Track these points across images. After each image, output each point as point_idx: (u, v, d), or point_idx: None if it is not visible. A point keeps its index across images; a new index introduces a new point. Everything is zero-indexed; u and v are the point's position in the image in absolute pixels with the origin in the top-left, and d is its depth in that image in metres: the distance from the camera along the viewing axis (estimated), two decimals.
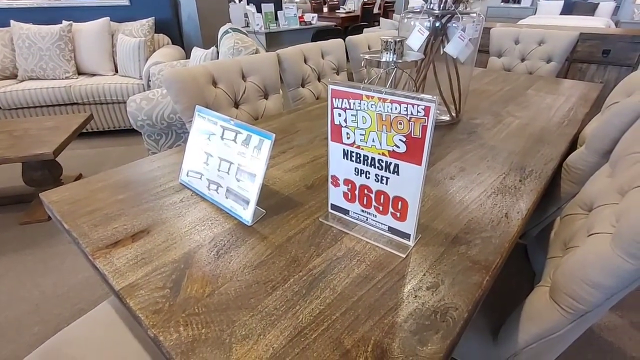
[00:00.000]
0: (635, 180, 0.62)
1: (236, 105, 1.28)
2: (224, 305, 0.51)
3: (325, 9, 6.69)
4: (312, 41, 1.65)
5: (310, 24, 4.62)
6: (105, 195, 0.79)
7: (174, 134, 1.93)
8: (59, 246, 1.66)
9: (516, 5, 7.61)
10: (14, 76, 2.90)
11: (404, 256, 0.60)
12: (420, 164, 0.55)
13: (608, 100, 1.03)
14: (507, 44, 2.08)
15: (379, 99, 0.54)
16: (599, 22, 5.85)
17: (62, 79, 2.84)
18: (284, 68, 1.45)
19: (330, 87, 0.59)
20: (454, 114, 1.19)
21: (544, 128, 1.14)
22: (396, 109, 0.53)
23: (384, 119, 0.55)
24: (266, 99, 1.37)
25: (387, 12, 6.70)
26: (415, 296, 0.53)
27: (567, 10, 6.75)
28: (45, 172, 1.92)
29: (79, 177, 2.28)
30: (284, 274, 0.57)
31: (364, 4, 6.19)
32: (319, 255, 0.61)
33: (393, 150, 0.57)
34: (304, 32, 4.55)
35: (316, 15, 4.82)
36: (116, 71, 3.05)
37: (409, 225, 0.61)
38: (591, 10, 6.51)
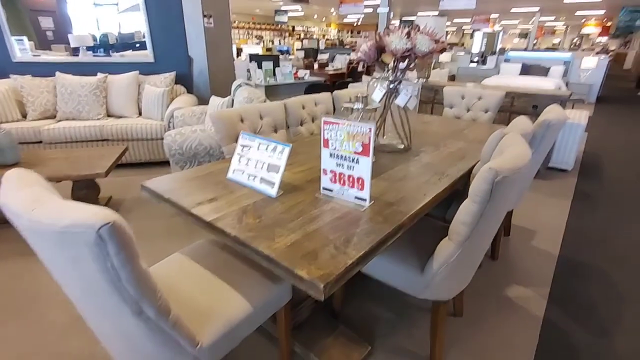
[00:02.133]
0: None
1: None
2: (266, 225, 0.99)
3: (316, 66, 7.60)
4: (305, 93, 2.22)
5: (303, 79, 5.38)
6: (178, 185, 1.27)
7: (197, 162, 2.43)
8: None
9: (482, 67, 8.72)
10: (52, 116, 3.42)
11: (362, 210, 1.10)
12: (368, 156, 1.06)
13: None
14: (455, 99, 2.72)
15: (347, 124, 1.07)
16: (551, 82, 6.81)
17: (95, 119, 3.38)
18: (288, 112, 2.01)
19: (323, 118, 1.12)
20: (405, 144, 1.74)
21: (466, 153, 1.69)
22: (355, 129, 1.06)
23: (350, 134, 1.08)
24: (276, 132, 1.91)
25: (369, 70, 7.64)
26: (366, 223, 1.02)
27: (524, 71, 7.81)
28: (89, 191, 2.38)
29: (110, 198, 2.73)
30: (296, 216, 1.05)
31: (350, 62, 7.10)
32: (316, 209, 1.10)
33: (355, 150, 1.09)
34: (298, 86, 5.28)
35: (308, 71, 5.61)
36: (140, 114, 3.61)
37: (365, 193, 1.11)
38: (544, 72, 7.56)
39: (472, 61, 9.40)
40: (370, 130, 1.04)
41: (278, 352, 1.40)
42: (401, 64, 1.61)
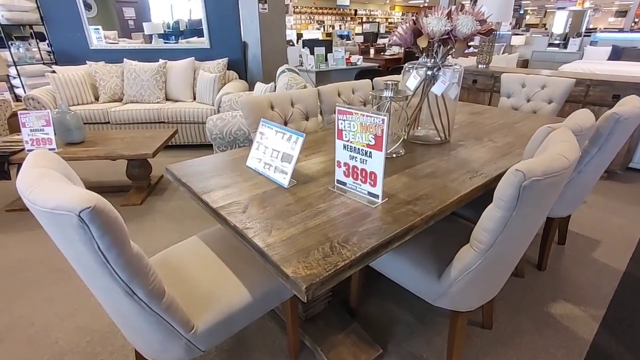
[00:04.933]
0: None
1: (285, 123, 1.79)
2: (269, 216, 0.97)
3: (372, 51, 7.36)
4: (355, 79, 2.14)
5: (356, 64, 5.24)
6: (201, 169, 1.30)
7: (237, 146, 2.50)
8: (148, 222, 2.24)
9: (562, 50, 7.74)
10: (120, 100, 3.75)
11: (373, 207, 1.03)
12: (382, 150, 0.98)
13: None
14: (514, 87, 2.44)
15: (361, 114, 1.00)
16: None
17: (155, 102, 3.64)
18: (322, 99, 1.96)
19: (338, 107, 1.06)
20: (442, 137, 1.60)
21: (510, 149, 1.51)
22: (368, 120, 0.98)
23: (363, 126, 1.00)
24: (307, 120, 1.88)
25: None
26: (372, 222, 0.95)
27: (615, 55, 6.77)
28: (142, 169, 2.57)
29: (161, 177, 2.93)
30: (302, 208, 1.02)
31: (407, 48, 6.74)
32: (324, 202, 1.05)
33: (368, 143, 1.01)
34: (350, 72, 5.16)
35: (362, 57, 5.44)
36: (194, 98, 3.81)
37: (378, 189, 1.04)
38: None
39: (550, 44, 8.38)
40: (383, 122, 0.95)
41: (287, 342, 1.41)
42: (439, 47, 1.46)
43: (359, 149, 1.04)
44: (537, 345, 1.38)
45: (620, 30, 11.38)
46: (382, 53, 7.17)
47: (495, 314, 1.53)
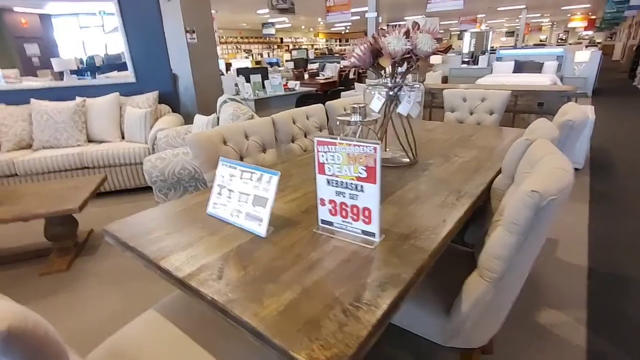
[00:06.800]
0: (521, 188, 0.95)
1: (241, 158, 1.60)
2: (254, 279, 0.78)
3: (306, 76, 7.46)
4: (296, 105, 2.04)
5: (294, 90, 5.21)
6: (150, 225, 1.06)
7: (182, 187, 2.22)
8: (79, 291, 1.85)
9: (474, 67, 8.62)
10: (28, 146, 3.21)
11: (372, 247, 0.89)
12: (375, 183, 0.86)
13: None
14: (457, 102, 2.54)
15: (347, 144, 0.87)
16: (545, 78, 6.71)
17: (75, 146, 3.17)
18: (278, 129, 1.81)
19: (316, 138, 0.92)
20: (411, 157, 1.54)
21: (480, 163, 1.50)
22: (357, 149, 0.86)
23: (351, 156, 0.88)
24: (264, 152, 1.71)
25: (360, 77, 7.51)
26: (379, 269, 0.81)
27: (517, 69, 7.70)
28: (65, 227, 2.15)
29: (90, 232, 2.50)
30: (292, 262, 0.84)
31: (341, 70, 6.96)
32: (315, 250, 0.89)
33: (358, 175, 0.88)
34: (289, 98, 5.11)
35: (298, 82, 5.44)
36: (122, 137, 3.41)
37: (374, 227, 0.91)
38: (538, 68, 7.46)
39: (463, 61, 9.31)
40: (375, 151, 0.84)
41: None
42: (400, 67, 1.43)
43: (347, 183, 0.91)
44: None
45: (515, 47, 13.11)
46: (316, 77, 7.29)
47: None
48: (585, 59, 7.41)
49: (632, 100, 7.13)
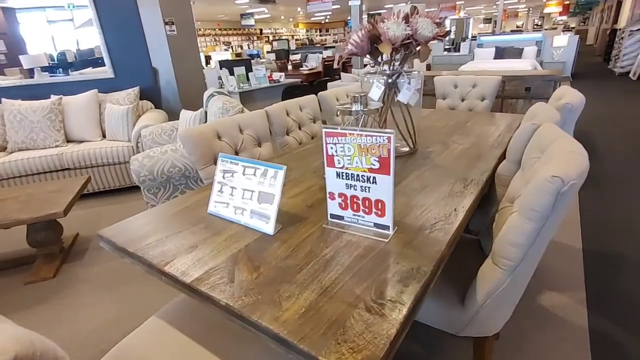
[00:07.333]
0: (533, 174, 0.93)
1: (236, 153, 1.54)
2: (269, 281, 0.74)
3: (290, 67, 7.34)
4: (282, 97, 1.98)
5: (279, 81, 5.11)
6: (147, 228, 1.00)
7: (172, 186, 2.14)
8: (69, 299, 1.76)
9: (456, 54, 8.67)
10: (3, 149, 3.04)
11: (387, 241, 0.86)
12: (389, 174, 0.83)
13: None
14: (448, 89, 2.53)
15: (358, 134, 0.83)
16: (526, 63, 6.79)
17: (52, 147, 3.02)
18: (272, 121, 1.75)
19: (324, 129, 0.88)
20: (411, 146, 1.52)
21: (480, 150, 1.48)
22: (369, 140, 0.82)
23: (363, 147, 0.84)
24: (260, 146, 1.65)
25: (345, 67, 7.44)
26: (397, 262, 0.78)
27: (498, 55, 7.78)
28: (49, 232, 2.05)
29: (76, 236, 2.39)
30: (305, 260, 0.80)
31: (325, 60, 6.87)
32: (327, 247, 0.85)
33: (371, 167, 0.85)
34: (275, 90, 5.01)
35: (283, 73, 5.34)
36: (104, 136, 3.26)
37: (388, 219, 0.88)
38: (518, 54, 7.56)
39: (445, 49, 9.35)
40: (389, 140, 0.80)
41: None
42: (397, 54, 1.39)
43: (358, 175, 0.87)
44: (544, 345, 1.34)
45: (493, 33, 13.24)
46: (300, 68, 7.19)
47: None
48: (564, 43, 7.56)
49: (608, 83, 7.33)
